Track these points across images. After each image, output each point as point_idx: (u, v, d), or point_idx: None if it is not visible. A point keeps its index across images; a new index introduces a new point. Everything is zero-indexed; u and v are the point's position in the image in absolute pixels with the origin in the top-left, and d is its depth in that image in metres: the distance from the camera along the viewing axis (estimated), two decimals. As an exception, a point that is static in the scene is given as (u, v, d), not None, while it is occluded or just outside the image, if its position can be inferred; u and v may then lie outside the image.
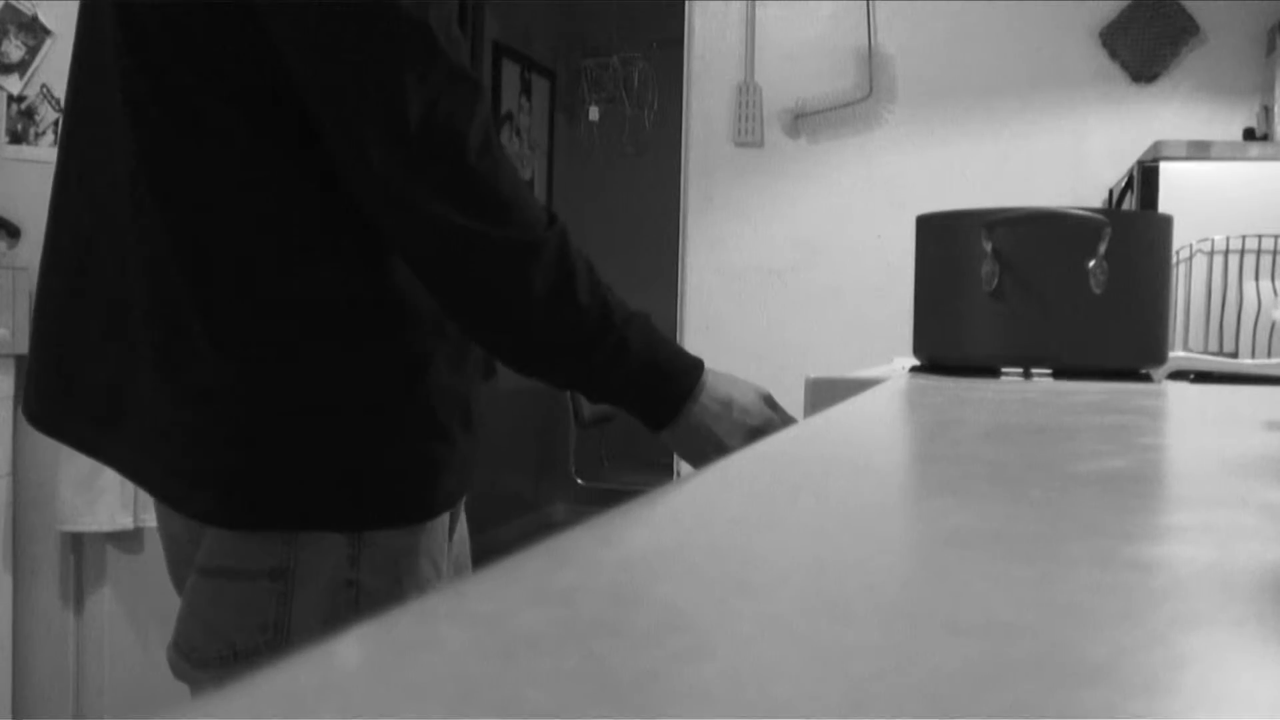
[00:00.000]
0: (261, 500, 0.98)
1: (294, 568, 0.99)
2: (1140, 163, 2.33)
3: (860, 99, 3.14)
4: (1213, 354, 1.85)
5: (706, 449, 1.09)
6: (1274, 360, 1.66)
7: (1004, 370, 1.26)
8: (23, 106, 2.14)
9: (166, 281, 0.98)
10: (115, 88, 1.01)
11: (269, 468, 0.98)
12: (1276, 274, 2.00)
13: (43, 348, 1.12)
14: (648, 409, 1.08)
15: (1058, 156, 3.07)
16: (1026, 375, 1.25)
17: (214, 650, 1.01)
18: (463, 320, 1.02)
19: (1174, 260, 1.40)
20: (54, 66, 2.13)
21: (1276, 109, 2.58)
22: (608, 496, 2.11)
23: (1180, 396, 1.04)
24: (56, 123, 2.13)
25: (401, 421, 1.02)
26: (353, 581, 1.00)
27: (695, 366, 1.10)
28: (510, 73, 5.05)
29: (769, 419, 1.12)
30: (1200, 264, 2.04)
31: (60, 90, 2.12)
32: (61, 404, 1.10)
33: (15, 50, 2.14)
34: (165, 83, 0.98)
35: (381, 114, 0.92)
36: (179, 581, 1.15)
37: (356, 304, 1.00)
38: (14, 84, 2.14)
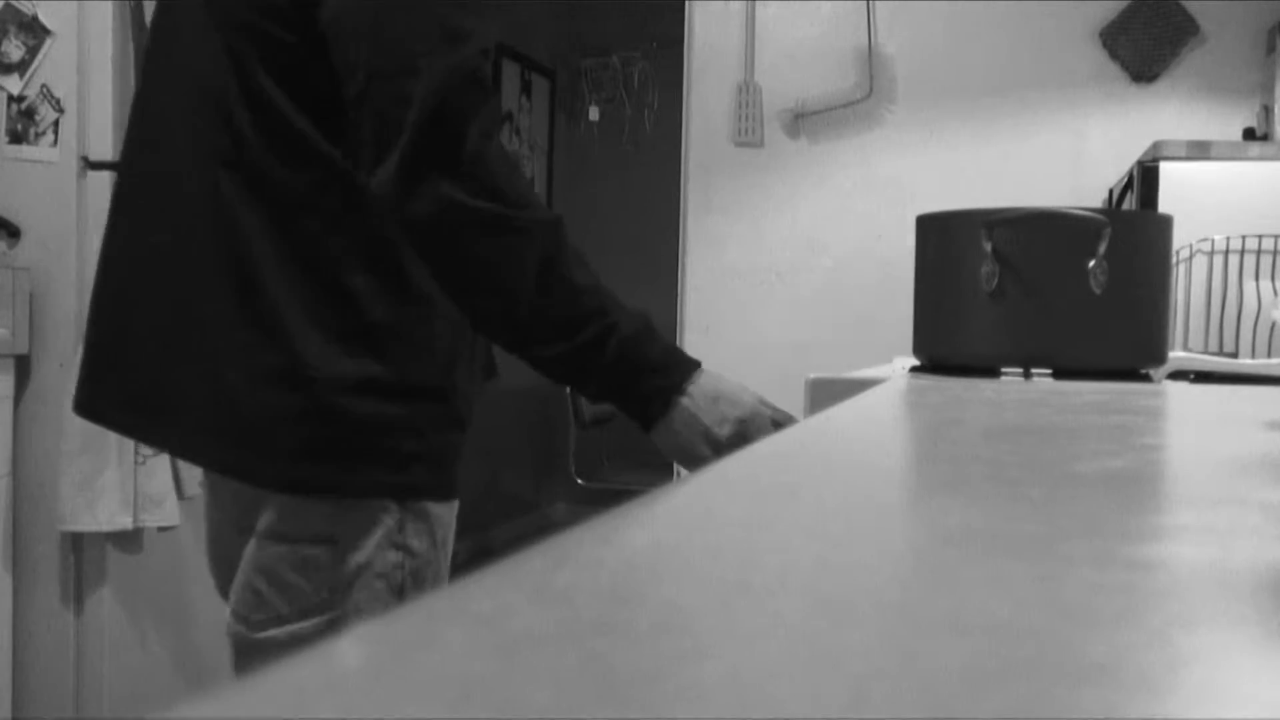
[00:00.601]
0: (331, 470, 1.09)
1: (351, 532, 1.09)
2: (1140, 163, 2.33)
3: (860, 99, 3.14)
4: (1213, 354, 1.85)
5: (696, 442, 1.11)
6: (1274, 360, 1.66)
7: (1004, 370, 1.26)
8: (23, 106, 2.14)
9: (247, 277, 1.08)
10: (198, 97, 1.11)
11: (338, 441, 1.09)
12: (1276, 274, 2.00)
13: (97, 341, 1.21)
14: (638, 403, 1.11)
15: (1058, 156, 3.07)
16: (1026, 375, 1.25)
17: (274, 613, 1.11)
18: (459, 292, 1.08)
19: (1174, 260, 1.40)
20: (54, 66, 2.13)
21: (1276, 109, 2.58)
22: (608, 496, 2.11)
23: (1180, 396, 1.04)
24: (56, 123, 2.13)
25: (439, 409, 1.14)
26: (400, 545, 1.11)
27: (689, 364, 1.12)
28: (510, 73, 5.05)
29: (756, 410, 1.13)
30: (1200, 264, 2.04)
31: (60, 90, 2.12)
32: (110, 394, 1.19)
33: (15, 50, 2.14)
34: (250, 87, 1.08)
35: (403, 96, 1.01)
36: (221, 563, 1.23)
37: (407, 301, 1.11)
38: (14, 84, 2.14)
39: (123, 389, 1.18)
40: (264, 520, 1.11)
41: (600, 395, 1.11)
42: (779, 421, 1.14)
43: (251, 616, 1.12)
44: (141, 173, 1.19)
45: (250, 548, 1.12)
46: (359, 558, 1.09)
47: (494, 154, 1.03)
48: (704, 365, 1.13)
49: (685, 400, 1.10)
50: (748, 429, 1.11)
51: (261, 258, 1.08)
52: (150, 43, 1.21)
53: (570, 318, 1.05)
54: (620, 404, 1.11)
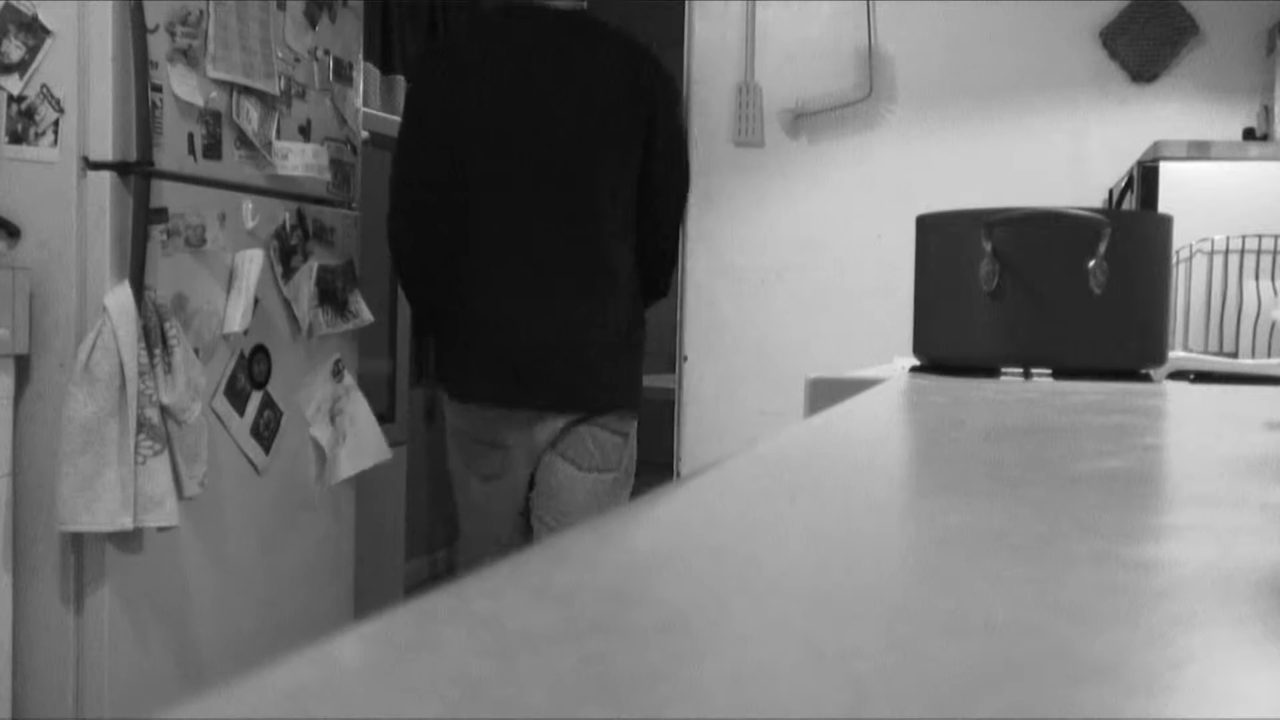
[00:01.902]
0: (636, 397, 2.32)
1: (633, 427, 2.34)
2: (1140, 163, 2.33)
3: (860, 99, 3.14)
4: (1213, 354, 1.85)
5: None
6: (1274, 360, 1.66)
7: (1004, 370, 1.26)
8: (23, 106, 2.14)
9: (606, 288, 2.23)
10: (580, 186, 2.21)
11: (638, 384, 2.33)
12: (1276, 274, 2.00)
13: (504, 350, 2.24)
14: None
15: (1058, 156, 3.07)
16: (1026, 375, 1.25)
17: (598, 463, 2.26)
18: (667, 267, 2.42)
19: (1174, 260, 1.40)
20: (54, 66, 2.13)
21: (1276, 109, 2.58)
22: (608, 496, 2.11)
23: (1180, 396, 1.04)
24: (56, 123, 2.13)
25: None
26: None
27: None
28: (510, 73, 5.05)
29: None
30: (1200, 264, 2.04)
31: (60, 90, 2.12)
32: (502, 380, 2.25)
33: (15, 50, 2.14)
34: (627, 176, 2.26)
35: (680, 207, 2.41)
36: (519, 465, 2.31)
37: (643, 317, 2.38)
38: (14, 84, 2.14)
39: (524, 376, 2.22)
40: (597, 425, 2.26)
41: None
42: None
43: (587, 464, 2.25)
44: (532, 220, 2.21)
45: (591, 440, 2.27)
46: (634, 440, 2.33)
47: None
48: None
49: None
50: None
51: (612, 284, 2.22)
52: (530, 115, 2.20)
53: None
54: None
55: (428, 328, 2.45)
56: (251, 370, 2.45)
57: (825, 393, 1.18)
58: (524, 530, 2.34)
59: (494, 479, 2.31)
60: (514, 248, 2.17)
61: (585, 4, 2.29)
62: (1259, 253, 2.02)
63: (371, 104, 3.55)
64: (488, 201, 2.17)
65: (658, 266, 2.34)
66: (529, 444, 2.25)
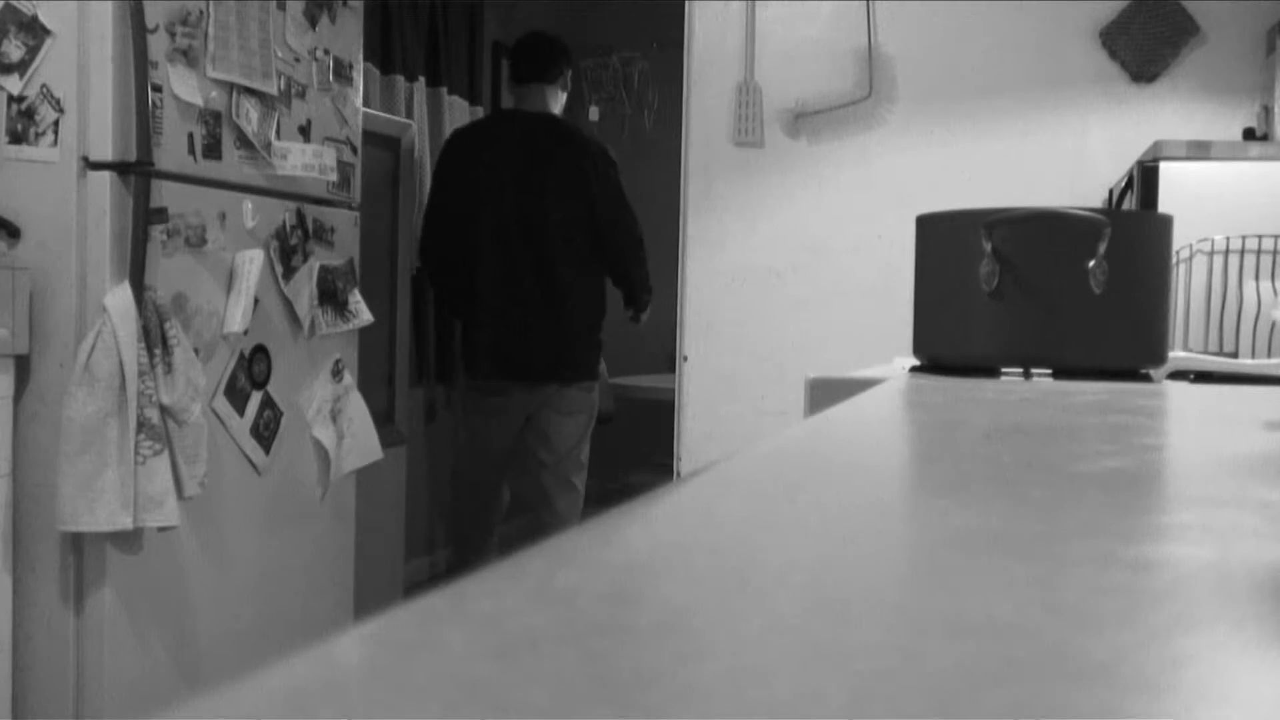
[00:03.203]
0: (594, 368, 3.43)
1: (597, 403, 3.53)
2: (1140, 163, 2.33)
3: (861, 99, 3.14)
4: (1213, 354, 1.85)
5: None
6: (1274, 360, 1.66)
7: (1004, 370, 1.26)
8: (23, 106, 2.14)
9: (576, 300, 3.31)
10: (563, 229, 3.32)
11: (594, 359, 3.43)
12: (1276, 274, 2.00)
13: (498, 337, 3.33)
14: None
15: (1058, 156, 3.07)
16: (1026, 375, 1.25)
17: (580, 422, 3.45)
18: (640, 286, 3.49)
19: (1174, 260, 1.40)
20: (54, 66, 2.13)
21: (1276, 109, 2.58)
22: (608, 496, 2.11)
23: (1180, 396, 1.04)
24: (56, 123, 2.13)
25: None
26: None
27: None
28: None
29: None
30: (1200, 264, 2.04)
31: (60, 90, 2.12)
32: (500, 364, 3.34)
33: (15, 50, 2.14)
34: (577, 229, 3.34)
35: (637, 248, 3.45)
36: (511, 431, 3.45)
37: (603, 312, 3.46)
38: (14, 84, 2.14)
39: (516, 357, 3.30)
40: (579, 396, 3.37)
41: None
42: None
43: (567, 410, 3.35)
44: (522, 246, 3.28)
45: (578, 400, 3.39)
46: (595, 394, 3.44)
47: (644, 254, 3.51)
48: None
49: None
50: None
51: (594, 297, 3.36)
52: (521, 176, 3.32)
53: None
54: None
55: (455, 314, 3.63)
56: (251, 370, 2.45)
57: (825, 393, 1.18)
58: (511, 466, 3.46)
59: (496, 416, 3.42)
60: (506, 272, 3.28)
61: (558, 112, 3.44)
62: (1259, 253, 2.02)
63: (371, 104, 3.55)
64: (487, 240, 3.28)
65: (626, 285, 3.43)
66: (526, 398, 3.36)
